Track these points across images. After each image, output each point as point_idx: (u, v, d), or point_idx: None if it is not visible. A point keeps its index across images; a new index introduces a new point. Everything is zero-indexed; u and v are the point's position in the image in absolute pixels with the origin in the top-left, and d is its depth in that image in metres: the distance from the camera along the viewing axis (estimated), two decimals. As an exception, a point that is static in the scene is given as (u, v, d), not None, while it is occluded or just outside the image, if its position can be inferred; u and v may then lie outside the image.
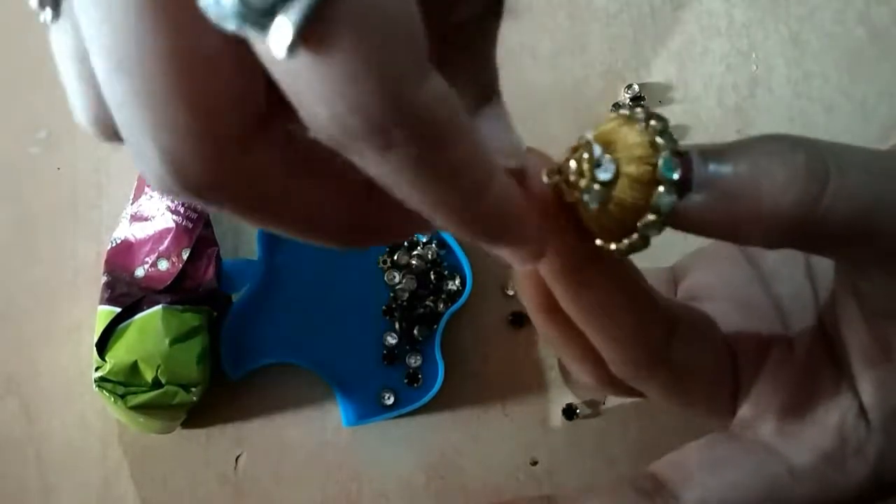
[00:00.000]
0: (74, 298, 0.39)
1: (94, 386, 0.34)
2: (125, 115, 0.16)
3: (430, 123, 0.15)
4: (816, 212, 0.20)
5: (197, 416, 0.38)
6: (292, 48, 0.14)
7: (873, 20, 0.41)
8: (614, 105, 0.40)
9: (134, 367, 0.34)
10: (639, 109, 0.20)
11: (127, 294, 0.35)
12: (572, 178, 0.20)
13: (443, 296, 0.38)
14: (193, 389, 0.35)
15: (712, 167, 0.20)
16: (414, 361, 0.38)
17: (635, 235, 0.20)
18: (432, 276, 0.38)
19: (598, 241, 0.21)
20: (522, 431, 0.38)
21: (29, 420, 0.38)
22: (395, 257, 0.38)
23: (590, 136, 0.20)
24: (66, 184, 0.40)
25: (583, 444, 0.37)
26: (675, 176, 0.19)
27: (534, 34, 0.41)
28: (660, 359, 0.25)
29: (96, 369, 0.34)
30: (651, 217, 0.19)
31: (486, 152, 0.17)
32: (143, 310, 0.35)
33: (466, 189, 0.17)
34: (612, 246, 0.20)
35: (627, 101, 0.40)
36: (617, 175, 0.19)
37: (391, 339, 0.38)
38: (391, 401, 0.38)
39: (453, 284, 0.38)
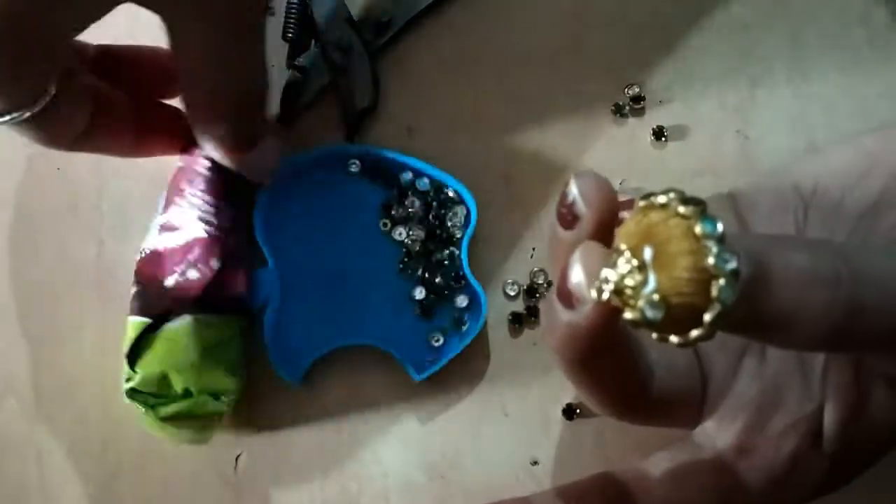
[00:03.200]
0: (74, 298, 0.39)
1: (125, 398, 0.34)
2: None
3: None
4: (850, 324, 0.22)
5: (197, 416, 0.38)
6: None
7: (873, 20, 0.41)
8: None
9: (164, 378, 0.34)
10: (672, 196, 0.20)
11: (157, 304, 0.35)
12: (626, 290, 0.20)
13: (450, 226, 0.38)
14: (224, 399, 0.35)
15: (745, 272, 0.21)
16: (459, 301, 0.38)
17: (701, 330, 0.20)
18: (433, 218, 0.38)
19: (654, 336, 0.21)
20: (522, 431, 0.38)
21: (29, 420, 0.38)
22: (394, 212, 0.39)
23: (624, 247, 0.20)
24: (66, 184, 0.40)
25: (583, 444, 0.37)
26: (732, 298, 0.20)
27: (533, 34, 0.41)
28: (639, 404, 0.29)
29: (127, 380, 0.34)
30: (708, 318, 0.20)
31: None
32: (172, 320, 0.34)
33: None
34: (674, 339, 0.21)
35: (628, 100, 0.40)
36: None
37: (419, 294, 0.38)
38: (440, 342, 0.38)
39: (459, 213, 0.38)
